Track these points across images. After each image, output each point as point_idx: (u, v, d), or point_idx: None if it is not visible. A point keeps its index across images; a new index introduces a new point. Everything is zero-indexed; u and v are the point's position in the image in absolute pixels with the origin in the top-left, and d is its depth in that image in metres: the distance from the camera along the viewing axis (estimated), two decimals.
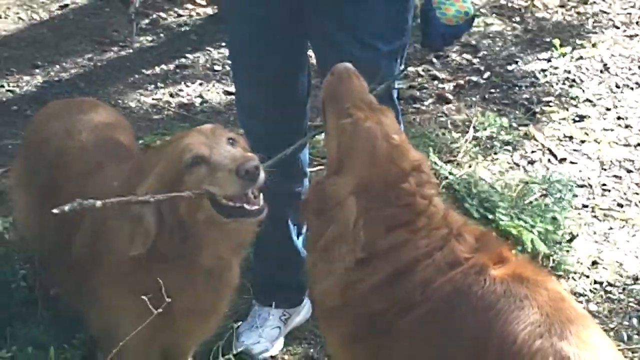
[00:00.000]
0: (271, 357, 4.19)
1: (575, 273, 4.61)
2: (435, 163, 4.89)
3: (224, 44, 6.38)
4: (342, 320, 3.39)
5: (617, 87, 6.05)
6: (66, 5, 6.89)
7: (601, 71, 6.20)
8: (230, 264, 3.39)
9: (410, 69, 6.16)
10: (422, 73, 6.17)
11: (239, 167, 3.03)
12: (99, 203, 2.84)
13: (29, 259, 3.86)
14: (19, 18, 6.73)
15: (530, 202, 4.85)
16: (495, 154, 5.39)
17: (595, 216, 5.00)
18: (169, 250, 3.17)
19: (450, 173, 4.86)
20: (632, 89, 6.03)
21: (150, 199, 3.02)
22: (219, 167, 3.08)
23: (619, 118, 5.76)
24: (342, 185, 3.19)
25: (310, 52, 3.87)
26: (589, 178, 5.27)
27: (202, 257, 3.24)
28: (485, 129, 5.50)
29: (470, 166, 5.20)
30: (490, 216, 4.59)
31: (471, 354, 3.10)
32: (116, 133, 3.86)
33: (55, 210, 2.74)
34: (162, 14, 6.78)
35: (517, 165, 5.35)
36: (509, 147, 5.46)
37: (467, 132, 5.50)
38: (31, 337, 3.60)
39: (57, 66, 6.18)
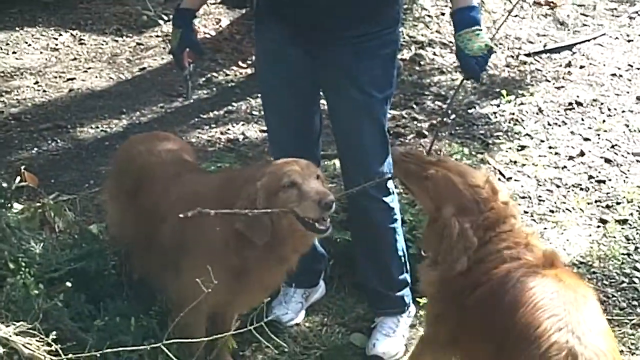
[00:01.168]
0: (296, 324, 4.18)
1: None
2: None
3: (259, 95, 6.38)
4: (433, 302, 3.42)
5: (549, 124, 6.02)
6: (144, 68, 6.90)
7: (537, 113, 6.17)
8: (295, 257, 3.45)
9: (396, 112, 6.15)
10: (405, 115, 6.15)
11: (321, 200, 3.18)
12: (212, 212, 2.94)
13: (117, 253, 3.85)
14: (110, 77, 6.74)
15: None
16: None
17: (533, 220, 4.98)
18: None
19: None
20: (559, 126, 6.00)
21: (249, 213, 3.13)
22: (307, 196, 3.20)
23: (550, 147, 5.73)
24: (445, 215, 3.20)
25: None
26: (528, 191, 5.24)
27: (283, 249, 3.35)
28: (451, 156, 5.48)
29: None
30: None
31: (505, 327, 2.99)
32: (183, 153, 3.89)
33: (181, 215, 2.87)
34: (215, 74, 6.79)
35: None
36: None
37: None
38: (118, 310, 3.57)
39: (138, 112, 6.19)
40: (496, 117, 6.12)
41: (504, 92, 6.38)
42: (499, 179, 5.36)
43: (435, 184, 3.27)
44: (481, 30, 3.47)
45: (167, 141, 3.98)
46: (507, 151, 5.67)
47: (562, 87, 6.52)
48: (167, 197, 3.52)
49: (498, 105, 6.28)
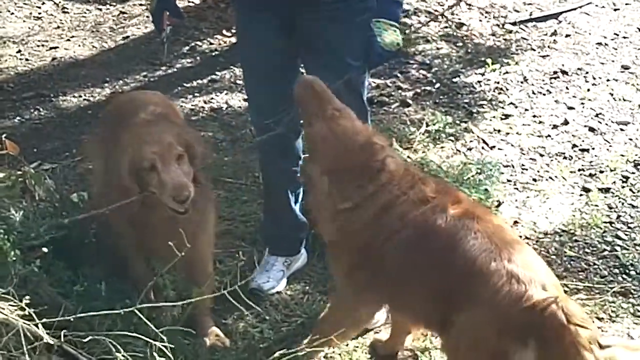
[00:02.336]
0: (277, 292, 4.18)
1: None
2: (397, 149, 4.85)
3: None
4: (343, 252, 3.45)
5: (534, 93, 6.00)
6: (127, 37, 6.85)
7: (521, 82, 6.14)
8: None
9: (381, 81, 6.12)
10: (389, 84, 6.12)
11: (176, 196, 3.31)
12: None
13: (97, 221, 3.83)
14: (93, 46, 6.69)
15: (469, 178, 4.81)
16: (442, 143, 5.35)
17: (516, 188, 4.98)
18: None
19: (408, 157, 4.83)
20: (544, 95, 5.98)
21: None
22: (164, 188, 3.33)
23: (534, 116, 5.71)
24: (314, 170, 3.36)
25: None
26: (512, 160, 5.23)
27: (158, 212, 3.45)
28: (435, 125, 5.46)
29: (423, 152, 5.17)
30: None
31: (440, 272, 3.14)
32: (168, 112, 3.89)
33: None
34: (199, 42, 6.73)
35: (459, 151, 5.31)
36: (453, 138, 5.41)
37: (421, 127, 5.46)
38: (97, 276, 3.59)
39: (121, 81, 6.15)
40: (481, 86, 6.10)
41: (489, 60, 6.35)
42: (483, 148, 5.36)
43: (310, 139, 3.39)
44: (397, 28, 3.52)
45: (154, 100, 3.99)
46: (491, 120, 5.66)
47: (548, 55, 6.49)
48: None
49: (483, 74, 6.25)
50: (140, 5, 7.37)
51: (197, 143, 3.57)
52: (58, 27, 6.97)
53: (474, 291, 3.03)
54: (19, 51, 6.53)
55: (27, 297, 2.53)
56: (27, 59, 6.44)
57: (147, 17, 7.12)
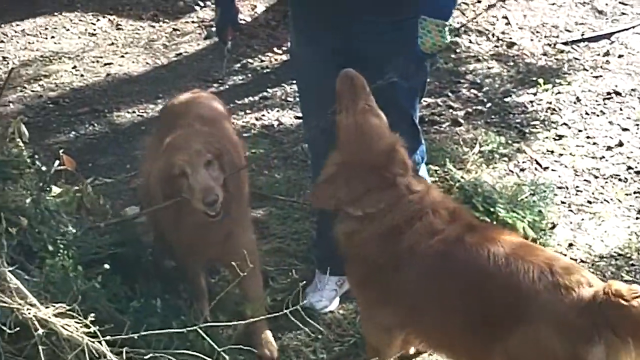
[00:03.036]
0: (330, 311, 4.16)
1: (555, 252, 4.53)
2: (450, 170, 4.83)
3: (294, 81, 6.36)
4: (355, 262, 3.43)
5: (587, 114, 5.94)
6: (180, 54, 6.91)
7: (574, 102, 6.09)
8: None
9: (432, 100, 6.11)
10: (440, 103, 6.09)
11: (204, 198, 3.44)
12: None
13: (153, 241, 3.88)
14: (146, 62, 6.76)
15: (522, 200, 4.76)
16: (495, 163, 5.32)
17: (570, 210, 4.92)
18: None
19: (461, 177, 4.80)
20: (597, 115, 5.92)
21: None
22: (193, 192, 3.47)
23: (587, 137, 5.65)
24: (333, 158, 3.35)
25: None
26: (565, 182, 5.18)
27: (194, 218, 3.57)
28: (487, 145, 5.43)
29: (476, 172, 5.13)
30: (492, 210, 4.49)
31: (473, 302, 3.10)
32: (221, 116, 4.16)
33: None
34: (250, 60, 6.77)
35: (512, 172, 5.27)
36: (506, 159, 5.37)
37: (474, 147, 5.43)
38: (153, 292, 3.61)
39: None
40: (533, 106, 6.05)
41: (540, 80, 6.30)
42: (536, 169, 5.31)
43: (339, 127, 3.35)
44: (445, 27, 3.43)
45: (209, 101, 4.20)
46: (544, 140, 5.61)
47: (600, 76, 6.42)
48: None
49: (535, 94, 6.20)
50: (193, 22, 7.44)
51: (226, 150, 3.71)
52: (112, 43, 7.05)
53: (524, 311, 2.98)
54: (74, 67, 6.62)
55: (92, 314, 2.55)
56: (82, 75, 6.52)
57: (199, 34, 7.19)
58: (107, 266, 3.09)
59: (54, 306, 2.48)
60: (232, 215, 3.64)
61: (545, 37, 7.07)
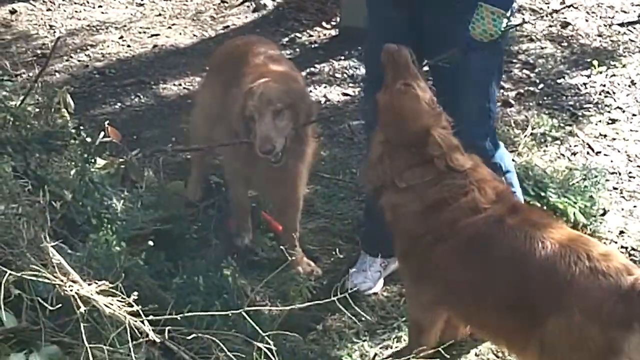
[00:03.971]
0: (374, 293, 4.09)
1: (606, 239, 4.42)
2: None
3: (343, 57, 6.27)
4: (397, 235, 3.40)
5: None
6: (228, 26, 6.83)
7: (629, 85, 5.93)
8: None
9: None
10: None
11: (260, 146, 3.70)
12: None
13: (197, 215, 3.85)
14: (193, 34, 6.69)
15: (573, 184, 4.65)
16: (547, 146, 5.20)
17: (622, 196, 4.80)
18: None
19: (512, 160, 4.67)
20: None
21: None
22: (254, 138, 3.74)
23: None
24: (376, 136, 3.35)
25: None
26: (618, 167, 5.05)
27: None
28: (539, 127, 5.31)
29: (527, 155, 5.01)
30: (542, 194, 4.40)
31: (509, 285, 3.04)
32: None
33: None
34: (298, 34, 6.67)
35: (563, 155, 5.15)
36: (557, 142, 5.25)
37: (525, 129, 5.30)
38: (196, 269, 3.56)
39: None
40: (586, 88, 5.90)
41: (595, 62, 6.14)
42: (588, 153, 5.18)
43: (381, 102, 3.31)
44: (502, 16, 3.28)
45: (264, 44, 4.40)
46: (596, 124, 5.46)
47: None
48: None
49: (588, 76, 6.04)
50: None
51: (300, 100, 3.91)
52: (159, 14, 6.99)
53: (560, 297, 2.93)
54: (121, 37, 6.57)
55: (135, 292, 2.50)
56: (128, 46, 6.47)
57: (248, 6, 7.10)
58: (151, 243, 3.04)
59: (96, 283, 2.43)
60: (294, 160, 3.95)
61: (600, 17, 6.89)
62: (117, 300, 2.39)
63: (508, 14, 3.35)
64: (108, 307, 2.35)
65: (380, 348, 3.79)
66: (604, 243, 4.40)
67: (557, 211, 4.34)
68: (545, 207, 4.31)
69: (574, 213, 4.38)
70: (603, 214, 4.58)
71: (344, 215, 4.57)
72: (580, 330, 2.87)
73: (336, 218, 4.55)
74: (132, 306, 2.40)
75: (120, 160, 4.39)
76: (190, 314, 2.61)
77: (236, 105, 3.87)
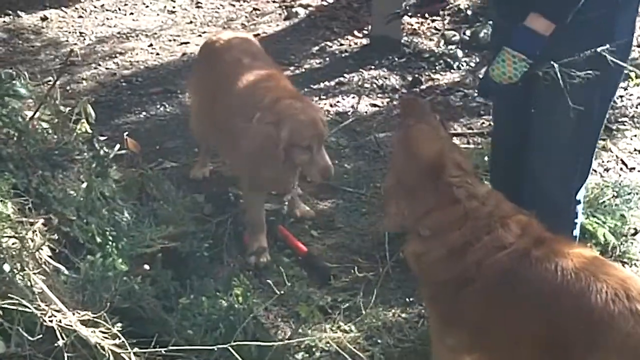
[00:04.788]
0: (392, 314, 3.95)
1: (637, 260, 4.25)
2: None
3: (373, 67, 6.16)
4: (425, 282, 3.24)
5: None
6: (258, 34, 6.74)
7: None
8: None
9: None
10: None
11: (323, 176, 3.96)
12: None
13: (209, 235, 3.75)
14: None
15: (603, 202, 4.47)
16: None
17: None
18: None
19: None
20: None
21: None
22: (316, 165, 3.91)
23: None
24: (387, 179, 3.28)
25: None
26: None
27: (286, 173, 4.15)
28: None
29: None
30: None
31: (540, 322, 2.84)
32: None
33: None
34: (329, 43, 6.57)
35: (595, 171, 4.96)
36: None
37: None
38: (204, 289, 3.47)
39: None
40: (622, 101, 5.71)
41: (632, 74, 5.93)
42: (621, 169, 4.99)
43: (394, 140, 3.36)
44: (522, 61, 3.11)
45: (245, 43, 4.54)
46: (632, 139, 5.28)
47: None
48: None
49: (625, 89, 5.85)
50: (274, 2, 7.27)
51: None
52: (191, 21, 6.94)
53: (594, 338, 2.71)
54: (150, 45, 6.52)
55: (120, 324, 2.40)
56: (157, 54, 6.42)
57: (279, 14, 7.02)
58: (147, 267, 2.94)
59: (81, 312, 2.34)
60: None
61: (638, 27, 6.66)
62: (100, 332, 2.28)
63: (526, 59, 3.17)
64: (90, 339, 2.25)
65: None
66: (635, 264, 4.24)
67: (586, 233, 4.17)
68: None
69: (604, 234, 4.20)
70: (634, 234, 4.39)
71: (365, 231, 4.45)
72: None
73: (356, 234, 4.43)
74: (116, 337, 2.30)
75: (138, 172, 4.32)
76: (174, 347, 2.49)
77: (283, 132, 3.88)
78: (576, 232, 3.69)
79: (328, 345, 3.69)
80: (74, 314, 2.28)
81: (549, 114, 3.38)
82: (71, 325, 2.24)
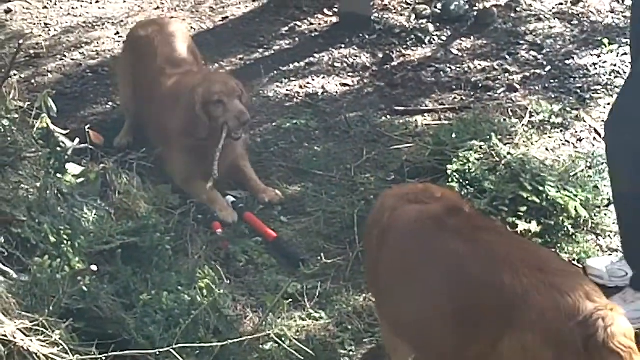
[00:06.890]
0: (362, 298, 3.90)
1: (611, 232, 4.21)
2: (497, 145, 4.47)
3: (343, 45, 6.07)
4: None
5: None
6: (227, 17, 6.64)
7: None
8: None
9: (487, 63, 5.75)
10: (496, 67, 5.74)
11: (240, 119, 4.41)
12: None
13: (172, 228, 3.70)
14: (191, 27, 6.50)
15: (576, 174, 4.42)
16: (550, 133, 4.96)
17: None
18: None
19: (508, 153, 4.43)
20: None
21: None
22: (230, 113, 4.41)
23: None
24: None
25: None
26: None
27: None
28: (539, 114, 5.07)
29: (526, 146, 4.75)
30: (541, 188, 4.16)
31: (453, 301, 2.77)
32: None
33: None
34: (298, 23, 6.47)
35: (568, 142, 4.92)
36: (562, 128, 5.02)
37: (524, 117, 5.06)
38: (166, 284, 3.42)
39: (216, 64, 5.95)
40: (596, 69, 5.65)
41: (605, 40, 5.86)
42: (595, 139, 4.94)
43: None
44: None
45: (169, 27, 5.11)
46: (605, 107, 5.20)
47: None
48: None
49: (599, 56, 5.78)
50: None
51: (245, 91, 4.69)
52: (158, 7, 6.82)
53: (514, 314, 2.61)
54: (117, 33, 6.42)
55: (59, 331, 2.34)
56: (124, 42, 6.31)
57: None
58: (94, 267, 2.87)
59: (22, 319, 2.27)
60: (242, 144, 4.65)
61: None
62: (37, 340, 2.22)
63: None
64: (31, 346, 2.19)
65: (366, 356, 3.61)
66: (608, 236, 4.20)
67: (557, 206, 4.12)
68: (544, 203, 4.10)
69: (575, 207, 4.15)
70: (607, 205, 4.34)
71: (334, 215, 4.39)
72: (533, 354, 2.58)
73: (326, 219, 4.37)
74: (56, 345, 2.24)
75: (100, 166, 4.25)
76: (122, 353, 2.43)
77: (196, 95, 4.45)
78: None
79: (298, 334, 3.66)
80: (14, 323, 2.22)
81: None
82: (6, 336, 2.17)
